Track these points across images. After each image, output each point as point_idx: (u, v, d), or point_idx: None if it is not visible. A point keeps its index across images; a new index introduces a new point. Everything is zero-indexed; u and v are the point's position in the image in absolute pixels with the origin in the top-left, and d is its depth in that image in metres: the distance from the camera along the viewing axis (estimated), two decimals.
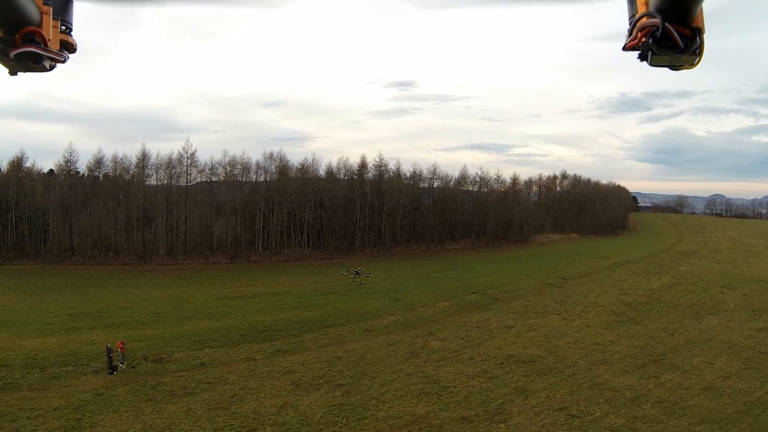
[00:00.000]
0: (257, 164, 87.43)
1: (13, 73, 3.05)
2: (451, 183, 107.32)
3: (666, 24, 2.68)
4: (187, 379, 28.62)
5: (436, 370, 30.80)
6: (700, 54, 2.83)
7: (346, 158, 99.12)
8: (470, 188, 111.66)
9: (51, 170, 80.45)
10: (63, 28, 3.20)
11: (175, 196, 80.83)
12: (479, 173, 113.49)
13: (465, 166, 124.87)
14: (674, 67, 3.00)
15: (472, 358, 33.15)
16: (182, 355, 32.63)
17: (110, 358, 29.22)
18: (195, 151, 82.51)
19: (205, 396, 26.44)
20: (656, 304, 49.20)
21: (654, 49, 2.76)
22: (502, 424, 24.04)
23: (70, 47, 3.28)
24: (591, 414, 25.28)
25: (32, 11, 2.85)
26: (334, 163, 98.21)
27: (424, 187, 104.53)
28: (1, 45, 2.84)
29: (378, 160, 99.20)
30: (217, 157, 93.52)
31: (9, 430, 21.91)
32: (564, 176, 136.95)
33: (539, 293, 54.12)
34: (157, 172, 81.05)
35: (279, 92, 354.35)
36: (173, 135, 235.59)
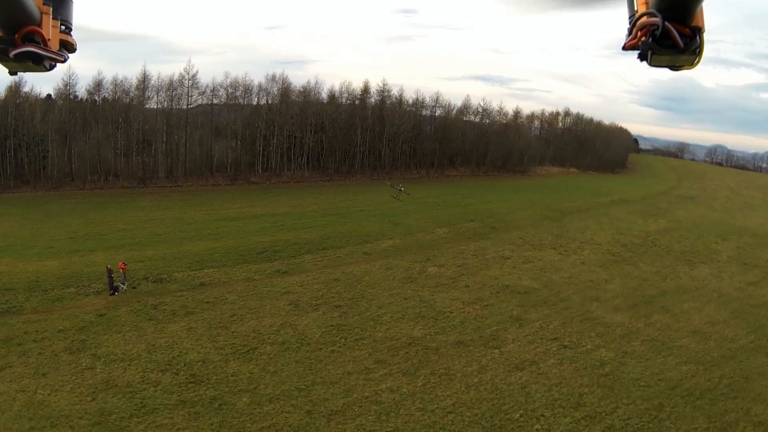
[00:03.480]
0: (259, 86, 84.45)
1: (12, 72, 3.05)
2: (454, 112, 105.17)
3: (666, 23, 2.66)
4: (187, 298, 28.92)
5: (432, 296, 31.33)
6: (699, 54, 2.81)
7: (349, 82, 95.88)
8: (472, 118, 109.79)
9: (49, 95, 77.58)
10: (63, 27, 3.20)
11: (176, 119, 78.52)
12: (482, 104, 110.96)
13: (468, 96, 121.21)
14: (674, 67, 2.99)
15: (468, 286, 33.66)
16: (182, 276, 32.78)
17: (111, 278, 29.22)
18: (197, 72, 79.20)
19: (206, 315, 26.85)
20: (651, 247, 49.50)
21: (654, 48, 2.75)
22: (497, 350, 24.71)
23: (70, 47, 3.29)
24: (583, 346, 25.99)
25: (32, 11, 2.83)
26: (336, 87, 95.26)
27: (425, 115, 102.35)
28: (1, 45, 2.82)
29: (381, 85, 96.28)
30: (219, 78, 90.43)
31: (16, 353, 22.10)
32: (567, 113, 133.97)
33: (537, 226, 54.34)
34: (157, 94, 77.72)
35: (281, 15, 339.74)
36: (173, 57, 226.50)
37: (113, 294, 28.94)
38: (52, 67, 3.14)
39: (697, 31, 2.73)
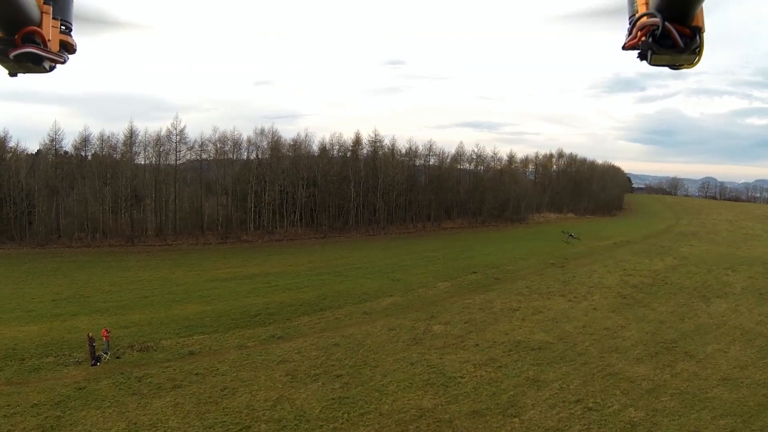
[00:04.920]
0: (248, 140, 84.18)
1: (12, 74, 3.03)
2: (448, 160, 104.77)
3: (666, 23, 2.67)
4: (174, 369, 26.59)
5: (440, 359, 29.02)
6: (699, 53, 2.83)
7: (340, 134, 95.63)
8: (466, 166, 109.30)
9: (39, 151, 77.47)
10: (63, 28, 3.15)
11: (164, 175, 77.99)
12: (475, 150, 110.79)
13: (461, 143, 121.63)
14: (674, 67, 3.01)
15: (477, 345, 31.41)
16: (170, 343, 30.52)
17: (92, 347, 27.17)
18: (184, 127, 79.33)
19: (194, 389, 24.45)
20: (662, 286, 47.81)
21: (654, 48, 2.76)
22: (516, 419, 22.32)
23: (69, 48, 3.25)
24: (609, 407, 23.67)
25: (32, 11, 2.82)
26: (327, 140, 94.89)
27: (419, 165, 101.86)
28: (1, 46, 2.82)
29: (372, 136, 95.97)
30: (207, 133, 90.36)
31: None
32: (560, 155, 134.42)
33: (541, 273, 52.49)
34: (145, 149, 77.92)
35: (270, 70, 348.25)
36: (163, 114, 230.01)
37: (95, 364, 26.80)
38: (52, 69, 3.09)
39: (697, 31, 2.74)
